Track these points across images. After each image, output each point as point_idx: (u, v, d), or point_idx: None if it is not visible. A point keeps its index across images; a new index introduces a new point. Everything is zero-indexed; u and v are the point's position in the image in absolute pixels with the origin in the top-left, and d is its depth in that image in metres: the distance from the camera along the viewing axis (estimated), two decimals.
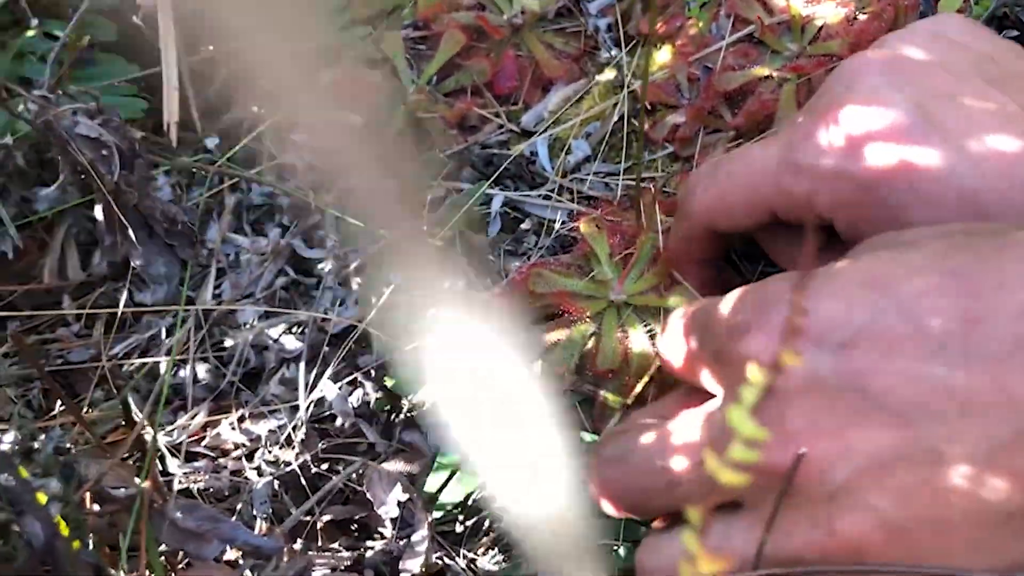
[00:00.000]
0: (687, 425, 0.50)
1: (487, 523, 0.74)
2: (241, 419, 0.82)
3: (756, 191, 0.60)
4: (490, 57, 0.99)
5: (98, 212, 0.62)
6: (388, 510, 0.71)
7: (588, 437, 0.73)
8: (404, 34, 1.00)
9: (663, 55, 0.96)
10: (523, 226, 0.89)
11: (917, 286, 0.40)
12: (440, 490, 0.74)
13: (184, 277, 0.80)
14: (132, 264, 0.79)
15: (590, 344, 0.74)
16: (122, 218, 0.62)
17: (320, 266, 0.89)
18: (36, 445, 0.52)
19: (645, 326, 0.73)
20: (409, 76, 0.98)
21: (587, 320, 0.73)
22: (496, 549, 0.73)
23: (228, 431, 0.81)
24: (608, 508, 0.58)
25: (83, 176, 0.59)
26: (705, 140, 0.90)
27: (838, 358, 0.41)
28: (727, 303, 0.51)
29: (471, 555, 0.73)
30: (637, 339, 0.72)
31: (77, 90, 0.63)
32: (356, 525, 0.76)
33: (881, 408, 0.39)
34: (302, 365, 0.83)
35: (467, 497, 0.74)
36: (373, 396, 0.80)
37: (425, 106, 0.96)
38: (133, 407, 0.82)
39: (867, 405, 0.39)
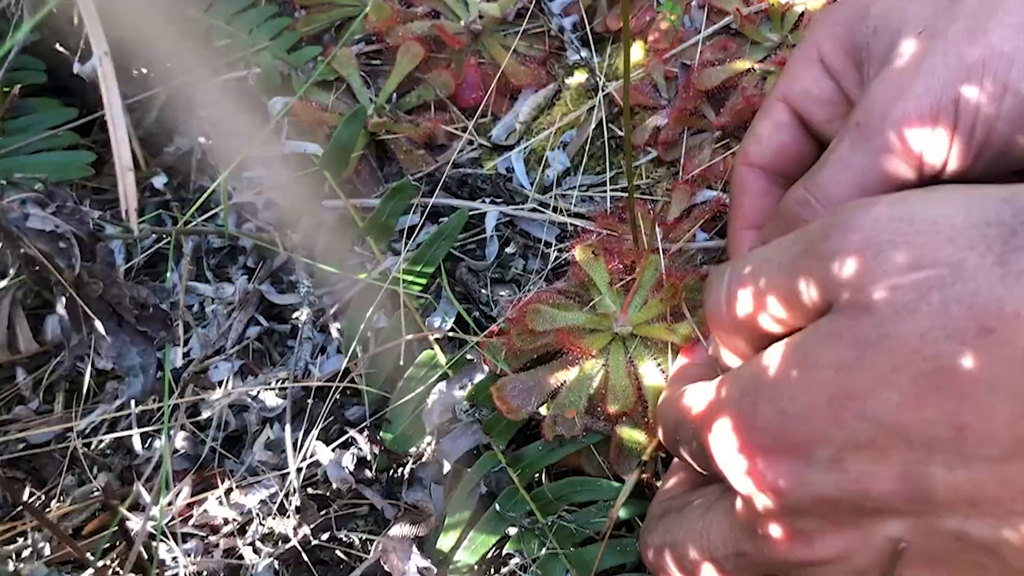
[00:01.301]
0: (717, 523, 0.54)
1: None
2: (229, 491, 0.76)
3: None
4: (451, 68, 0.93)
5: (60, 308, 0.56)
6: None
7: (605, 484, 0.68)
8: (356, 50, 0.93)
9: (635, 53, 0.91)
10: (508, 249, 0.84)
11: (892, 400, 0.44)
12: (453, 550, 0.70)
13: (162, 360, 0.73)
14: (101, 362, 0.73)
15: (597, 381, 0.69)
16: (87, 311, 0.56)
17: (296, 314, 0.83)
18: None
19: (655, 359, 0.69)
20: (367, 95, 0.92)
21: (592, 357, 0.69)
22: None
23: (216, 506, 0.75)
24: None
25: (38, 269, 0.53)
26: (690, 142, 0.85)
27: (832, 471, 0.46)
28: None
29: None
30: (648, 373, 0.68)
31: (22, 177, 0.56)
32: None
33: (887, 507, 0.45)
34: (287, 426, 0.77)
35: (482, 558, 0.69)
36: (369, 454, 0.74)
37: (388, 126, 0.89)
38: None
39: (873, 506, 0.45)
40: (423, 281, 0.78)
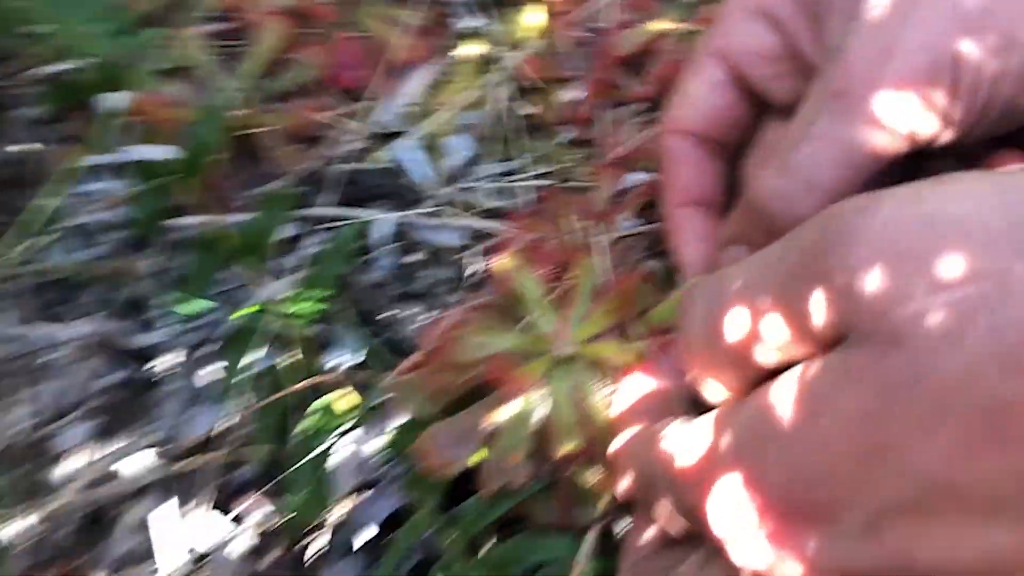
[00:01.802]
0: None
1: None
2: None
3: None
4: (324, 45, 0.78)
5: None
6: None
7: (561, 541, 0.57)
8: (207, 31, 0.78)
9: (535, 17, 0.79)
10: (412, 258, 0.71)
11: (938, 452, 0.34)
12: None
13: None
14: None
15: (541, 416, 0.57)
16: None
17: (159, 360, 0.68)
18: None
19: (606, 384, 0.57)
20: (225, 83, 0.76)
21: (532, 389, 0.57)
22: None
23: None
24: None
25: None
26: (611, 117, 0.74)
27: (866, 540, 0.36)
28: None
29: None
30: (600, 403, 0.56)
31: None
32: None
33: None
34: (165, 506, 0.62)
35: None
36: (271, 526, 0.60)
37: (254, 119, 0.74)
38: None
39: None
40: (315, 309, 0.64)
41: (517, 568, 0.57)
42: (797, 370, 0.39)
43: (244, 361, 0.64)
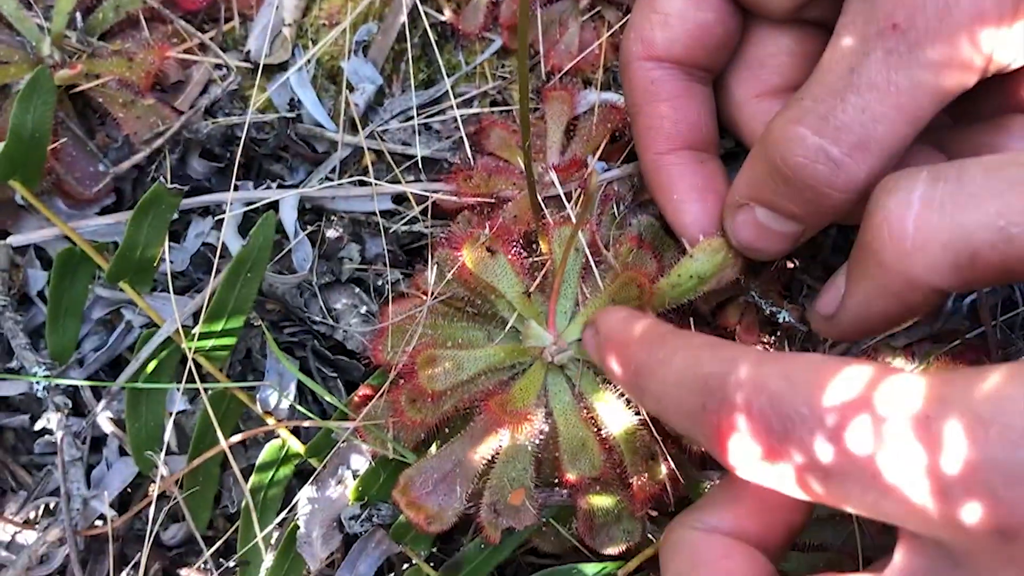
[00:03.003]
0: None
1: None
2: None
3: None
4: None
5: None
6: None
7: (585, 571, 0.49)
8: None
9: None
10: (332, 233, 0.57)
11: None
12: None
13: None
14: None
15: (542, 440, 0.48)
16: None
17: (42, 422, 0.53)
18: None
19: (615, 387, 0.48)
20: (33, 25, 0.57)
21: (528, 413, 0.46)
22: None
23: None
24: None
25: None
26: (546, 18, 0.59)
27: None
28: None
29: None
30: (611, 413, 0.47)
31: None
32: None
33: None
34: None
35: None
36: None
37: (85, 69, 0.56)
38: None
39: None
40: (230, 341, 0.50)
41: None
42: None
43: (151, 412, 0.51)
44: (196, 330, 0.49)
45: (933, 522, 0.28)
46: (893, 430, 0.29)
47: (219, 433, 0.47)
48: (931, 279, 0.37)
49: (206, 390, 0.49)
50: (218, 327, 0.49)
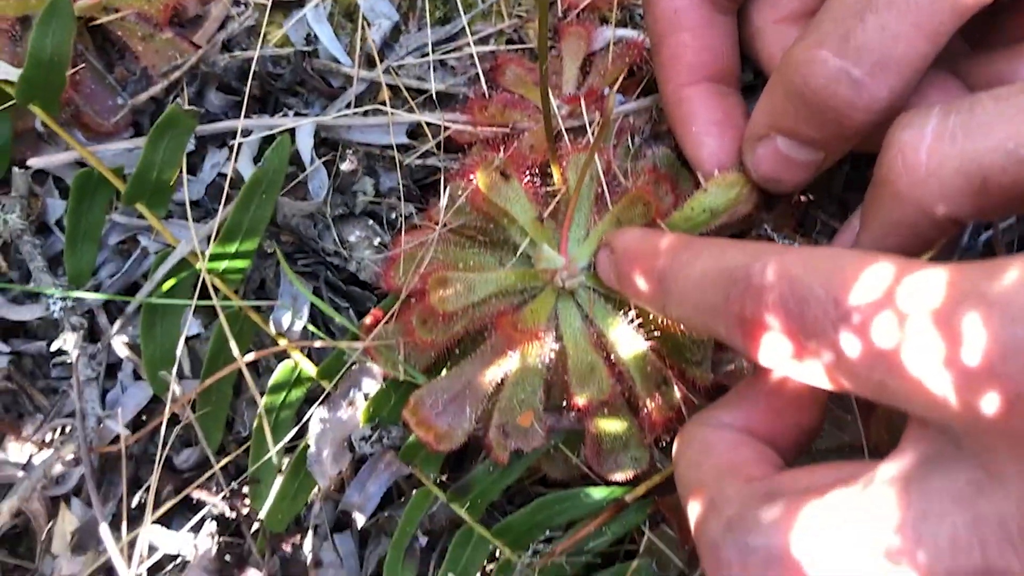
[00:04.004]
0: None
1: None
2: None
3: None
4: None
5: None
6: None
7: (589, 495, 0.50)
8: None
9: None
10: (345, 166, 0.58)
11: None
12: None
13: None
14: None
15: (552, 362, 0.48)
16: None
17: (58, 343, 0.54)
18: None
19: (623, 311, 0.48)
20: None
21: (538, 331, 0.47)
22: None
23: None
24: None
25: None
26: None
27: None
28: None
29: None
30: (622, 338, 0.47)
31: None
32: None
33: None
34: (98, 507, 0.51)
35: None
36: (246, 528, 0.51)
37: (104, 1, 0.57)
38: None
39: None
40: (244, 264, 0.51)
41: (544, 529, 0.50)
42: None
43: (165, 334, 0.52)
44: (210, 250, 0.49)
45: (952, 411, 0.29)
46: (915, 324, 0.29)
47: (234, 348, 0.47)
48: (944, 207, 0.37)
49: (223, 307, 0.49)
50: (232, 248, 0.50)
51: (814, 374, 0.33)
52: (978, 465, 0.29)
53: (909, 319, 0.29)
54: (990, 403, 0.28)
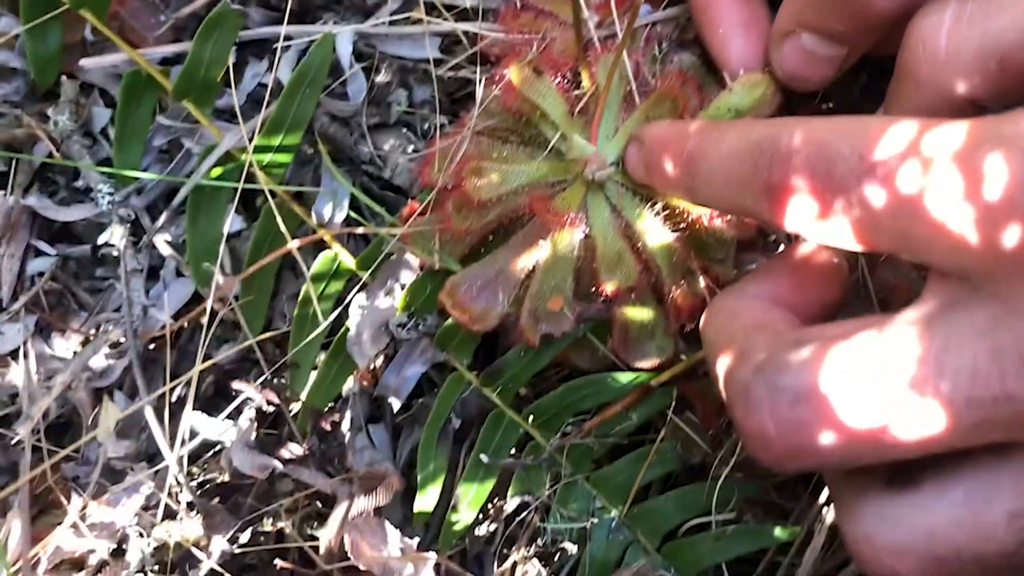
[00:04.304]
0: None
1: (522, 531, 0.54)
2: (83, 511, 0.53)
3: None
4: None
5: None
6: (402, 571, 0.49)
7: (616, 380, 0.52)
8: None
9: None
10: (380, 79, 0.60)
11: None
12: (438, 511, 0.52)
13: None
14: None
15: (581, 252, 0.50)
16: None
17: (103, 236, 0.56)
18: None
19: (650, 204, 0.50)
20: None
21: (568, 223, 0.49)
22: (535, 562, 0.53)
23: (71, 538, 0.52)
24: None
25: None
26: None
27: None
28: None
29: None
30: (649, 228, 0.49)
31: None
32: None
33: None
34: (143, 393, 0.53)
35: (480, 511, 0.52)
36: (285, 410, 0.53)
37: None
38: None
39: None
40: (287, 158, 0.53)
41: (570, 414, 0.52)
42: None
43: (209, 226, 0.54)
44: (255, 142, 0.51)
45: (973, 251, 0.30)
46: (937, 168, 0.31)
47: (283, 228, 0.49)
48: (965, 88, 0.38)
49: (271, 193, 0.51)
50: (276, 141, 0.52)
51: (839, 232, 0.35)
52: (997, 301, 0.31)
53: (932, 165, 0.31)
54: (1011, 236, 0.29)
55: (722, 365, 0.39)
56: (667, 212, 0.49)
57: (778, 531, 0.50)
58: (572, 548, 0.52)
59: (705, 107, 0.51)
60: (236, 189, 0.53)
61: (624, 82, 0.52)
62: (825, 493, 0.51)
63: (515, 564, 0.53)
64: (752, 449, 0.36)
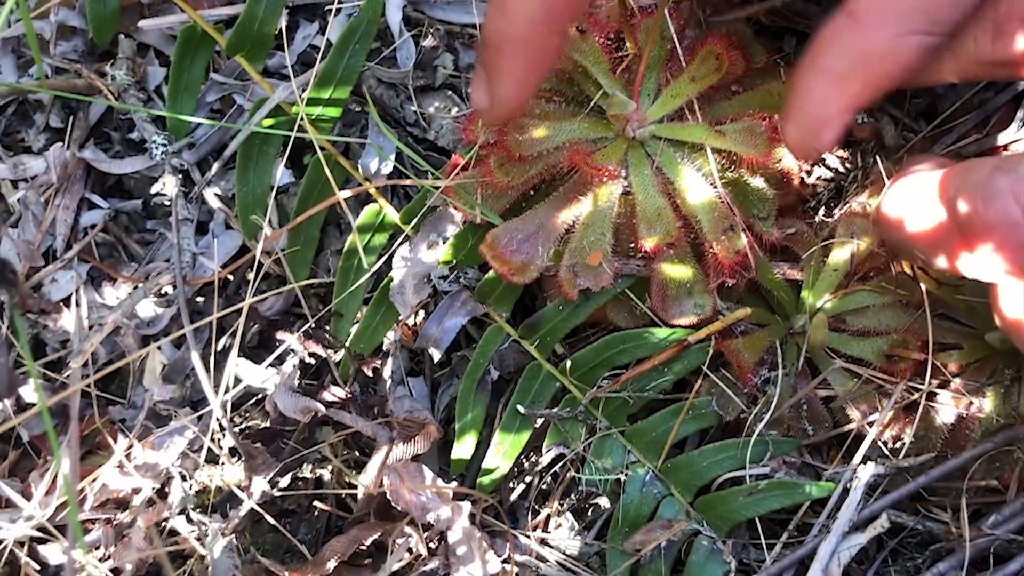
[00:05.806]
0: None
1: (555, 484, 0.54)
2: (129, 451, 0.54)
3: None
4: None
5: None
6: (439, 513, 0.50)
7: (655, 335, 0.52)
8: None
9: None
10: (427, 43, 0.61)
11: None
12: (476, 459, 0.53)
13: None
14: None
15: (620, 208, 0.51)
16: None
17: (155, 187, 0.58)
18: None
19: (692, 162, 0.51)
20: None
21: (609, 178, 0.50)
22: (569, 516, 0.54)
23: (117, 477, 0.54)
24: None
25: None
26: None
27: None
28: None
29: (534, 532, 0.54)
30: (690, 186, 0.50)
31: None
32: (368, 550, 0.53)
33: None
34: (189, 339, 0.55)
35: (517, 460, 0.53)
36: (328, 358, 0.54)
37: None
38: None
39: None
40: (336, 113, 0.55)
41: (607, 368, 0.53)
42: None
43: (258, 178, 0.56)
44: (305, 95, 0.53)
45: None
46: None
47: (331, 179, 0.50)
48: None
49: (321, 147, 0.53)
50: (326, 94, 0.53)
51: None
52: None
53: None
54: None
55: (939, 187, 0.41)
56: (707, 170, 0.50)
57: (812, 487, 0.50)
58: (605, 502, 0.53)
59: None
60: (285, 142, 0.55)
61: (667, 42, 0.52)
62: (859, 455, 0.51)
63: (548, 517, 0.54)
64: (994, 239, 0.37)
